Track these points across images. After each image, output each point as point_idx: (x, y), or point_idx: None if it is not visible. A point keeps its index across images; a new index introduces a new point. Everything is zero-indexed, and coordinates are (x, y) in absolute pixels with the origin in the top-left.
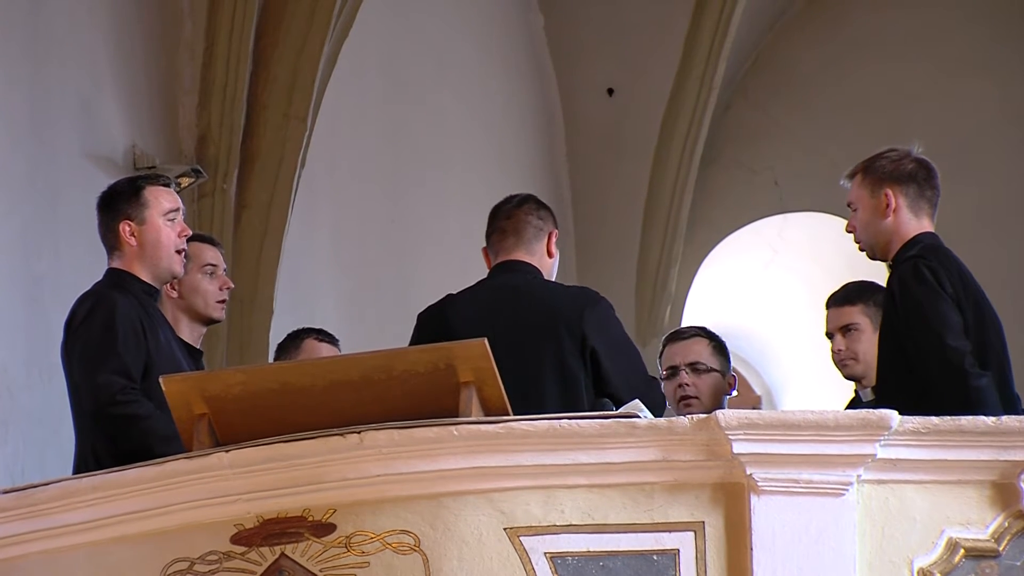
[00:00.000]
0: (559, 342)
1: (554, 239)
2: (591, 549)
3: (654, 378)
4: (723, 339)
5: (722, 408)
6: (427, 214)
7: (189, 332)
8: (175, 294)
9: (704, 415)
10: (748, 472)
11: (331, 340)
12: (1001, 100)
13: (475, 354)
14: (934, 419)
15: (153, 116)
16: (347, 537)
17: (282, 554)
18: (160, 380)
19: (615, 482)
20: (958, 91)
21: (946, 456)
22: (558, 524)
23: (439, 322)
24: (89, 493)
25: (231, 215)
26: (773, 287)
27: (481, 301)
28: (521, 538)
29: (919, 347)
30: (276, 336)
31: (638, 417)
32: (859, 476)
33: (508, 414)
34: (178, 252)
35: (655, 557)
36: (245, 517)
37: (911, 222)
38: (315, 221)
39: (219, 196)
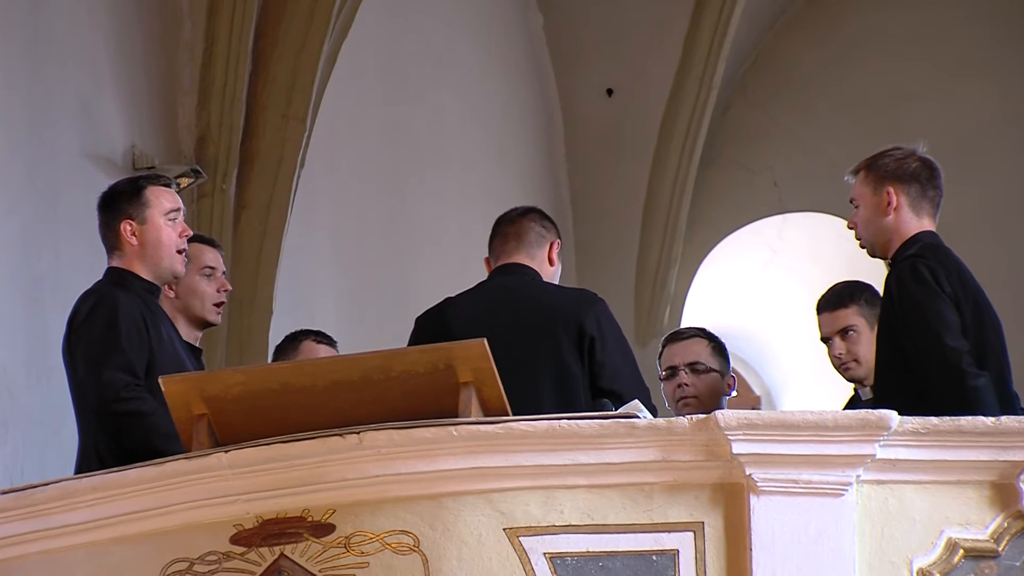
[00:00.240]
0: (557, 342)
1: (556, 249)
2: (590, 549)
3: (647, 388)
4: (722, 340)
5: (721, 409)
6: (426, 214)
7: (186, 333)
8: (172, 295)
9: (703, 415)
10: (747, 472)
11: (329, 341)
12: (1001, 100)
13: (474, 354)
14: (933, 419)
15: (153, 116)
16: (346, 537)
17: (281, 554)
18: (159, 381)
19: (614, 482)
20: (958, 91)
21: (945, 456)
22: (557, 524)
23: (438, 325)
24: (88, 493)
25: (230, 215)
26: (772, 287)
27: (480, 302)
28: (520, 538)
29: (917, 346)
30: (275, 336)
31: (637, 417)
32: (858, 476)
33: (507, 414)
34: (179, 252)
35: (654, 557)
36: (244, 517)
37: (912, 221)
38: (314, 221)
39: (218, 196)
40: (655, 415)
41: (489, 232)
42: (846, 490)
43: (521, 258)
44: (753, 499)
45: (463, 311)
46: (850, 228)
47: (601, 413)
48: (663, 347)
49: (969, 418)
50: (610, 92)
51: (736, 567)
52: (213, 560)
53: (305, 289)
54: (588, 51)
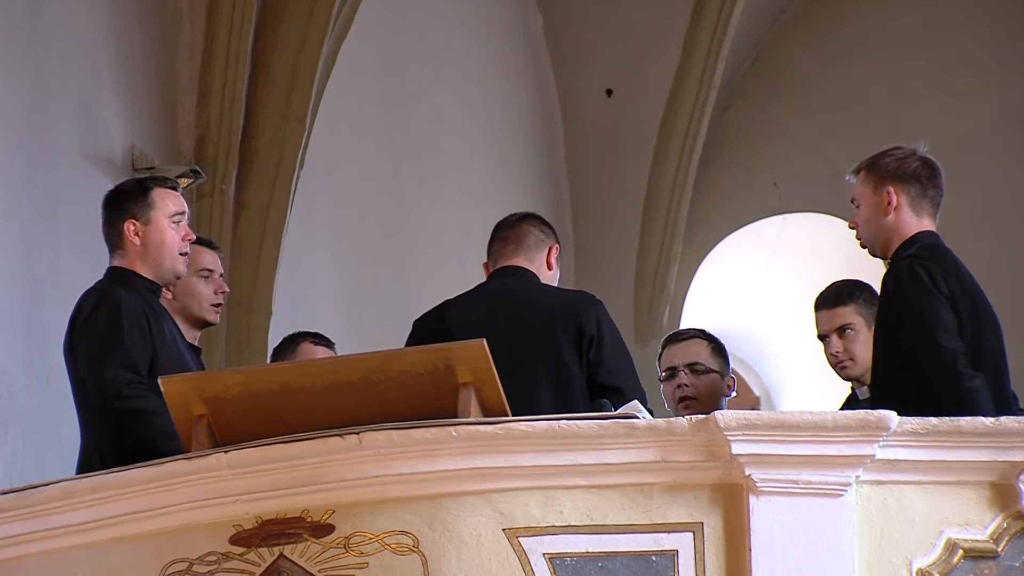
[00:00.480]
0: (557, 343)
1: (555, 254)
2: (590, 550)
3: (644, 391)
4: (722, 341)
5: (721, 409)
6: (426, 214)
7: (185, 333)
8: (170, 296)
9: (703, 416)
10: (747, 473)
11: (327, 343)
12: (1001, 100)
13: (474, 355)
14: (933, 420)
15: (152, 117)
16: (346, 538)
17: (281, 555)
18: (159, 381)
19: (614, 483)
20: (958, 91)
21: (945, 457)
22: (557, 525)
23: (437, 327)
24: (88, 494)
25: (230, 216)
26: (772, 288)
27: (478, 304)
28: (520, 539)
29: (913, 347)
30: (275, 337)
31: (636, 418)
32: (858, 477)
33: (507, 415)
34: (182, 255)
35: (654, 558)
36: (244, 518)
37: (912, 221)
38: (314, 222)
39: (218, 197)
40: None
41: (489, 233)
42: (845, 490)
43: (520, 261)
44: (752, 499)
45: (462, 312)
46: (851, 228)
47: (600, 414)
48: (663, 348)
49: (968, 418)
50: (610, 92)
51: (735, 567)
52: (212, 560)
53: (304, 289)
54: (588, 51)
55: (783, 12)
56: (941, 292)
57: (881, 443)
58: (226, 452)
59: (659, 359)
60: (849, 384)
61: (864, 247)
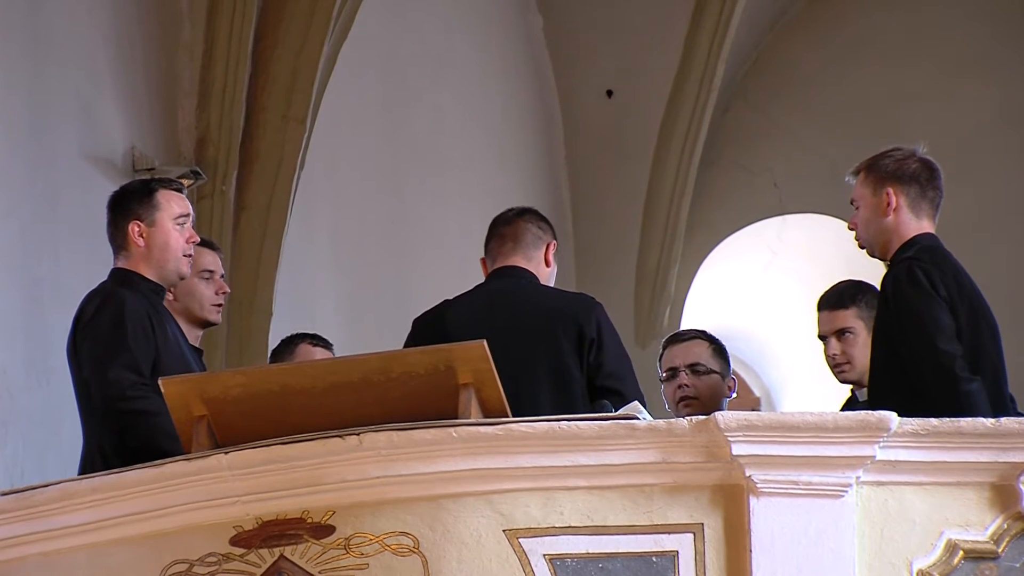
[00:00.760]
0: (557, 344)
1: (552, 250)
2: (590, 551)
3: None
4: (723, 342)
5: (721, 410)
6: (426, 215)
7: (186, 334)
8: (171, 296)
9: (703, 417)
10: (747, 474)
11: (325, 344)
12: (1001, 100)
13: (474, 356)
14: (933, 421)
15: (152, 118)
16: (346, 539)
17: (281, 556)
18: (159, 382)
19: (614, 484)
20: (958, 91)
21: (945, 458)
22: (557, 526)
23: (436, 328)
24: (88, 495)
25: (230, 217)
26: (772, 289)
27: (478, 305)
28: (520, 540)
29: (911, 350)
30: (275, 338)
31: (637, 419)
32: (858, 478)
33: (507, 416)
34: (186, 256)
35: (654, 559)
36: (244, 519)
37: (911, 222)
38: (314, 223)
39: (218, 198)
40: None
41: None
42: (846, 491)
43: (518, 260)
44: (753, 500)
45: (462, 313)
46: (850, 229)
47: (601, 415)
48: (663, 349)
49: (969, 419)
50: (610, 93)
51: (736, 568)
52: (213, 561)
53: (305, 290)
54: (588, 52)
55: (783, 13)
56: (940, 295)
57: (882, 444)
58: (226, 453)
59: (660, 360)
60: (849, 386)
61: (863, 248)
